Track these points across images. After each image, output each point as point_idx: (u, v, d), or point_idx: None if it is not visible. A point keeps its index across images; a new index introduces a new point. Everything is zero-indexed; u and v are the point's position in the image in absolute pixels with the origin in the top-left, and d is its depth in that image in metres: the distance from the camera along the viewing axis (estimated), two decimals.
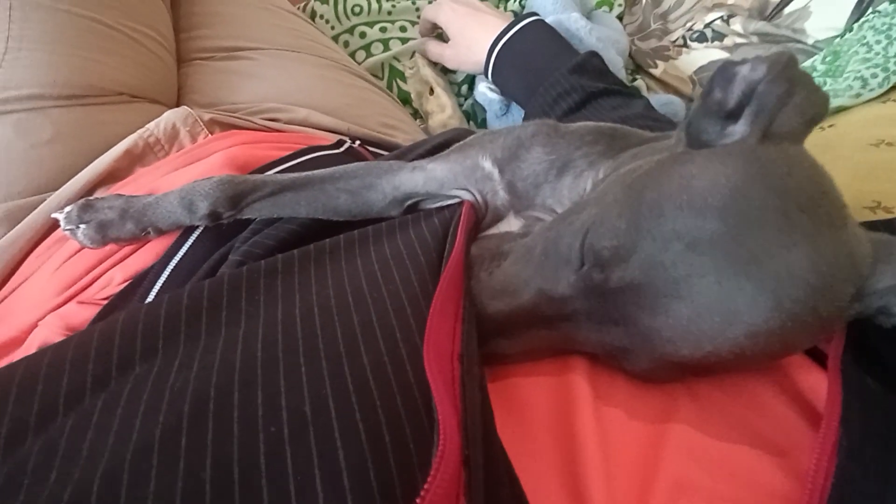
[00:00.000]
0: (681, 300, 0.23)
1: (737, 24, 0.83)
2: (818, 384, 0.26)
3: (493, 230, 0.36)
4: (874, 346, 0.26)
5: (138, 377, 0.23)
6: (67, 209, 0.42)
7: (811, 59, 0.74)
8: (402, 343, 0.24)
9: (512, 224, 0.36)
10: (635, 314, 0.24)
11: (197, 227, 0.42)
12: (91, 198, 0.43)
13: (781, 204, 0.22)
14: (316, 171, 0.39)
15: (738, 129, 0.25)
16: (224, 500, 0.18)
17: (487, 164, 0.37)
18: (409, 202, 0.39)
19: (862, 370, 0.25)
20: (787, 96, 0.24)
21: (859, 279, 0.24)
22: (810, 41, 0.77)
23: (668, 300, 0.23)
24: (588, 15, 0.85)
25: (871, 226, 0.32)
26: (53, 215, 0.43)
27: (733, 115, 0.26)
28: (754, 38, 0.81)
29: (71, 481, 0.19)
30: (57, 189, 0.47)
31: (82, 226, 0.40)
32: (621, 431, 0.23)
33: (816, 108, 0.25)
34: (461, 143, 0.40)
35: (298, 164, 0.48)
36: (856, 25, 0.73)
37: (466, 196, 0.37)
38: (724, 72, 0.26)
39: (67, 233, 0.42)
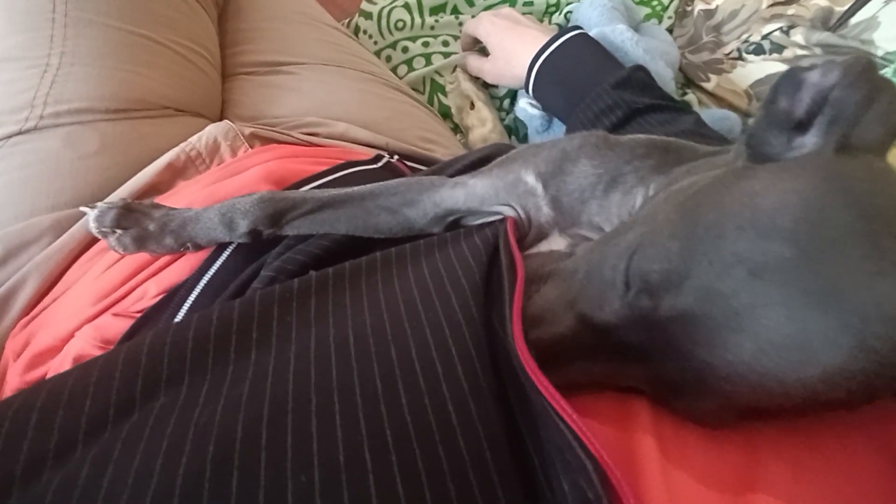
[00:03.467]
0: (743, 334, 0.20)
1: (798, 36, 0.78)
2: None
3: (536, 249, 0.34)
4: None
5: (163, 407, 0.22)
6: (101, 208, 0.40)
7: (882, 71, 0.69)
8: (444, 382, 0.22)
9: (556, 243, 0.34)
10: (688, 348, 0.21)
11: (230, 243, 0.41)
12: (130, 202, 0.42)
13: (866, 226, 0.19)
14: (355, 188, 0.39)
15: (809, 140, 0.23)
16: None
17: (531, 179, 0.35)
18: (451, 219, 0.38)
19: None
20: (867, 103, 0.21)
21: None
22: (880, 52, 0.71)
23: (728, 333, 0.20)
24: (636, 28, 0.83)
25: None
26: (82, 208, 0.42)
27: (802, 126, 0.23)
28: (818, 50, 0.76)
29: None
30: (103, 200, 0.48)
31: (118, 231, 0.40)
32: (698, 503, 0.20)
33: None
34: (503, 157, 0.39)
35: (336, 179, 0.48)
36: None
37: (509, 212, 0.35)
38: (790, 78, 0.23)
39: (97, 234, 0.41)
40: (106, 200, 0.42)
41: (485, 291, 0.28)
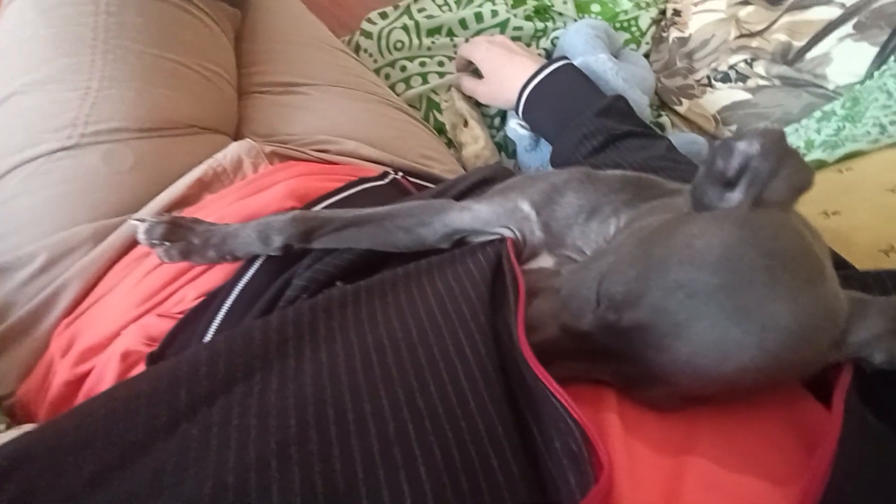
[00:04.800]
0: (680, 340, 0.27)
1: (760, 67, 0.87)
2: (822, 420, 0.29)
3: (528, 266, 0.41)
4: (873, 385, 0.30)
5: (244, 394, 0.28)
6: (150, 222, 0.45)
7: (831, 104, 0.78)
8: (462, 375, 0.28)
9: (545, 261, 0.40)
10: (643, 350, 0.28)
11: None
12: (177, 217, 0.47)
13: (767, 263, 0.26)
14: (376, 210, 0.44)
15: (735, 196, 0.29)
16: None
17: (526, 207, 0.41)
18: (457, 237, 0.44)
19: (865, 407, 0.28)
20: (777, 170, 0.28)
21: (836, 329, 0.27)
22: (831, 86, 0.80)
23: (670, 340, 0.27)
24: (616, 53, 0.90)
25: (863, 276, 0.36)
26: (131, 221, 0.47)
27: (731, 184, 0.30)
28: (777, 81, 0.85)
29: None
30: (136, 211, 0.53)
31: (167, 244, 0.45)
32: (649, 463, 0.27)
33: (803, 180, 0.28)
34: (503, 185, 0.45)
35: (350, 195, 0.54)
36: (876, 73, 0.76)
37: (508, 233, 0.41)
38: (725, 145, 0.30)
39: (147, 245, 0.45)
40: (153, 215, 0.47)
41: (490, 301, 0.34)
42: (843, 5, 0.84)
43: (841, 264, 0.41)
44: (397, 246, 0.44)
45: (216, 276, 0.48)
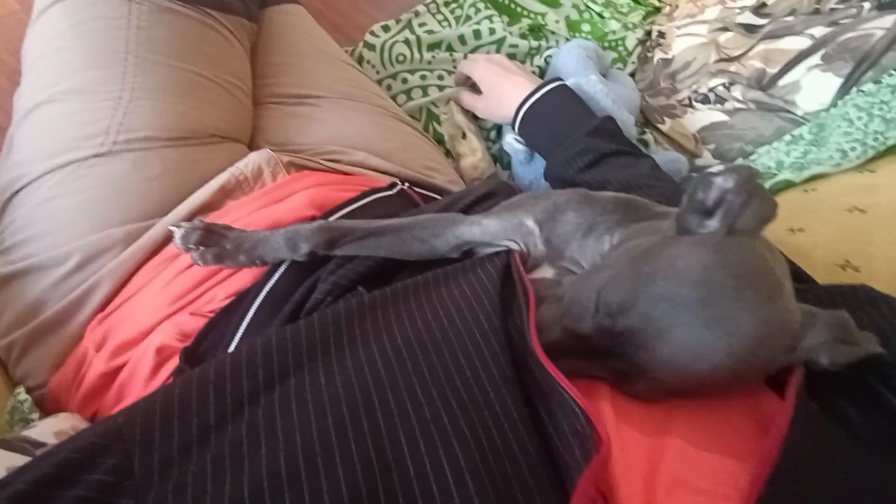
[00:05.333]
0: (663, 342, 0.32)
1: (737, 91, 0.94)
2: (778, 409, 0.34)
3: (532, 275, 0.46)
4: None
5: (297, 385, 0.32)
6: (186, 228, 0.49)
7: (800, 129, 0.85)
8: (481, 371, 0.33)
9: (546, 272, 0.46)
10: (632, 350, 0.34)
11: None
12: (211, 223, 0.50)
13: (735, 282, 0.32)
14: (393, 221, 0.49)
15: (712, 223, 0.35)
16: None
17: (530, 223, 0.46)
18: (466, 248, 0.49)
19: (811, 399, 0.34)
20: (748, 202, 0.34)
21: (790, 337, 0.33)
22: (800, 112, 0.87)
23: (655, 342, 0.33)
24: (605, 73, 0.96)
25: (819, 290, 0.42)
26: (170, 227, 0.50)
27: (709, 213, 0.35)
28: (752, 105, 0.92)
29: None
30: (164, 215, 0.57)
31: (202, 248, 0.49)
32: (634, 441, 0.32)
33: (767, 213, 0.34)
34: (509, 203, 0.50)
35: (363, 205, 0.59)
36: (840, 102, 0.84)
37: (514, 246, 0.46)
38: (705, 179, 0.35)
39: (183, 249, 0.49)
40: (189, 222, 0.50)
41: (500, 307, 0.39)
42: (812, 36, 0.92)
43: (803, 277, 0.48)
44: (413, 255, 0.49)
45: (244, 278, 0.52)
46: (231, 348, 0.46)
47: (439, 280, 0.42)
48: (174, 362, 0.48)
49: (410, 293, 0.41)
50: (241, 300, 0.50)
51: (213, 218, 0.58)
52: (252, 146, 0.70)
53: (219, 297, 0.51)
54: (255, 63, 0.75)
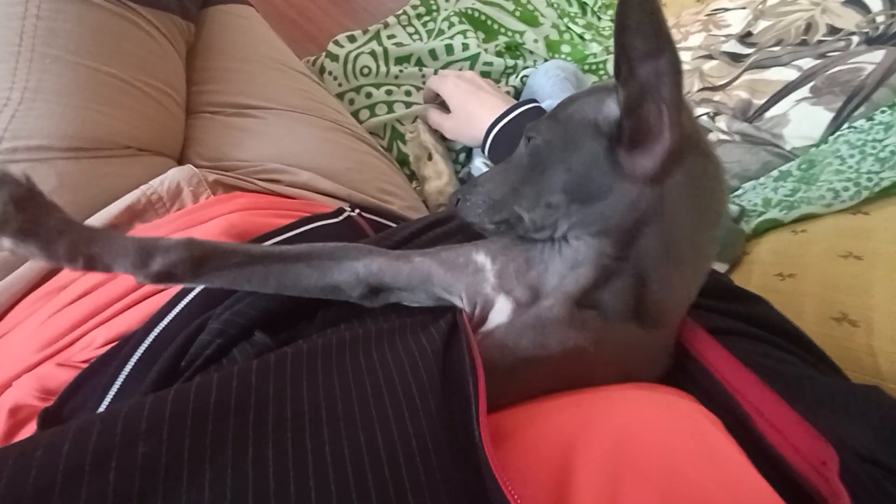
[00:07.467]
0: None
1: (722, 122, 0.88)
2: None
3: (485, 327, 0.37)
4: None
5: None
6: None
7: (788, 165, 0.79)
8: (403, 462, 0.25)
9: (503, 308, 0.36)
10: None
11: (186, 294, 0.41)
12: (35, 190, 0.33)
13: None
14: (287, 247, 0.38)
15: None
16: None
17: (480, 258, 0.38)
18: (382, 294, 0.38)
19: None
20: None
21: None
22: (788, 147, 0.82)
23: None
24: None
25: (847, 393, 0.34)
26: None
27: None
28: (737, 137, 0.86)
29: None
30: None
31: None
32: None
33: None
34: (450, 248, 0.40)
35: (297, 234, 0.49)
36: (831, 138, 0.78)
37: (452, 300, 0.37)
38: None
39: None
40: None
41: (441, 380, 0.30)
42: (800, 68, 0.87)
43: (794, 338, 0.40)
44: (307, 289, 0.38)
45: (132, 319, 0.42)
46: (102, 408, 0.36)
47: (371, 340, 0.33)
48: (32, 427, 0.38)
49: (333, 355, 0.31)
50: (122, 347, 0.39)
51: None
52: (182, 161, 0.61)
53: (97, 342, 0.41)
54: (191, 67, 0.66)
